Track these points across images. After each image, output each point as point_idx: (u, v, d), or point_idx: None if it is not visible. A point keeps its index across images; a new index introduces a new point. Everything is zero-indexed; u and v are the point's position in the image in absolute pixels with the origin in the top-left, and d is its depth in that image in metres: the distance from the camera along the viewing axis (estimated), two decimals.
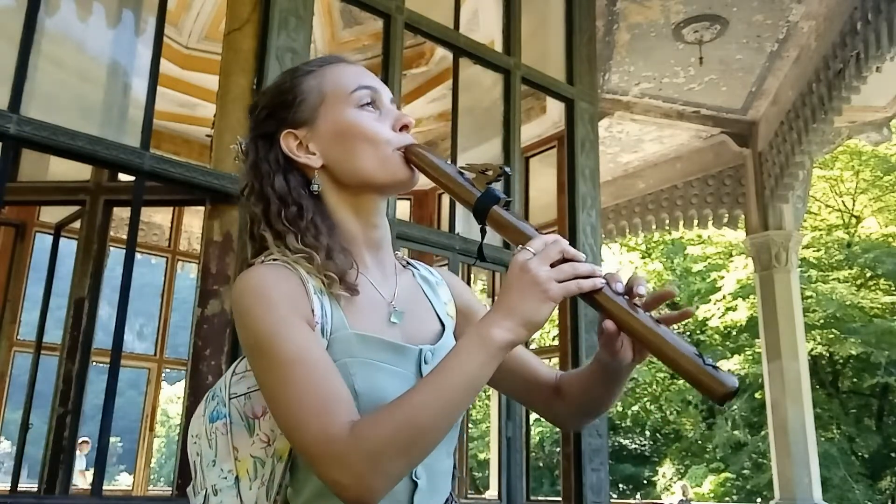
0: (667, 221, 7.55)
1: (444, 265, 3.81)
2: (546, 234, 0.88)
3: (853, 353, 15.32)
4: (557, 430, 4.42)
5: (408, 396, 0.81)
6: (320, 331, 0.89)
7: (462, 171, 0.93)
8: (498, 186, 0.95)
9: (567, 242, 0.86)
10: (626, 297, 0.83)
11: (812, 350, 14.42)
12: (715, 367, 0.76)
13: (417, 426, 0.79)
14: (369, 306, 0.95)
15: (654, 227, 7.68)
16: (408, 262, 1.10)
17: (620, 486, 20.02)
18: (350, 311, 0.93)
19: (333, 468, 0.79)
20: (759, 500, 15.92)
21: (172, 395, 23.93)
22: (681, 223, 7.53)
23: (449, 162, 0.94)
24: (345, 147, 0.97)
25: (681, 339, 0.78)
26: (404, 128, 0.98)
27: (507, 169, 0.90)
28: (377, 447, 0.78)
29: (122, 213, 4.62)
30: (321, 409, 0.81)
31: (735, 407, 17.33)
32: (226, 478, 0.91)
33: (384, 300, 0.98)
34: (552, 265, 0.84)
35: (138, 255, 4.09)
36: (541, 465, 18.17)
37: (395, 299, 0.99)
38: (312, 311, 0.89)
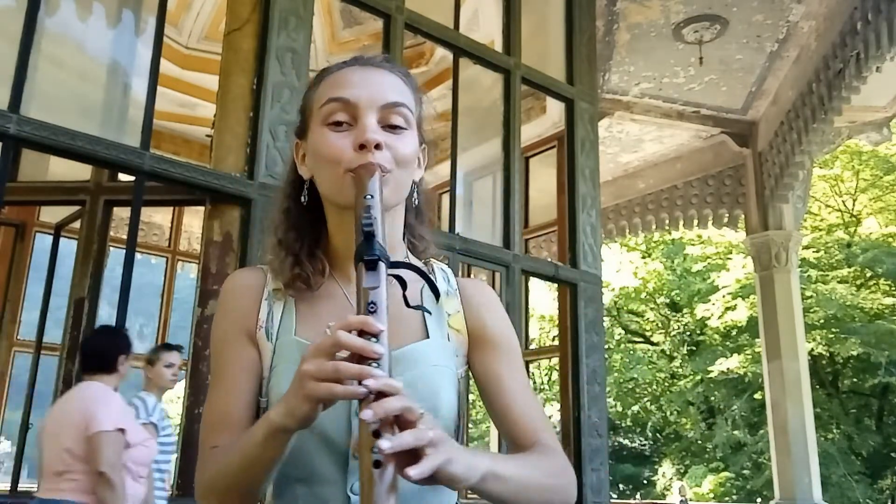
0: (667, 221, 7.55)
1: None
2: (362, 314, 0.76)
3: (853, 353, 15.32)
4: (557, 430, 4.43)
5: (228, 448, 0.88)
6: (265, 333, 0.95)
7: (366, 210, 0.84)
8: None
9: (375, 327, 0.74)
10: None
11: (812, 350, 14.43)
12: None
13: (224, 477, 0.87)
14: (334, 317, 0.94)
15: (654, 227, 7.68)
16: (431, 271, 1.05)
17: (620, 486, 20.01)
18: (306, 318, 0.96)
19: (195, 477, 0.92)
20: (758, 500, 15.93)
21: (172, 395, 23.94)
22: (681, 223, 7.53)
23: (371, 196, 0.85)
24: (315, 165, 0.97)
25: (381, 498, 0.70)
26: (366, 146, 0.91)
27: (365, 227, 0.80)
28: (208, 481, 0.89)
29: (122, 213, 4.62)
30: (211, 425, 0.93)
31: (735, 407, 17.34)
32: None
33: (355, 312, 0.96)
34: (334, 356, 0.74)
35: (138, 255, 4.09)
36: None
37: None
38: (258, 315, 0.96)
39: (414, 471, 0.70)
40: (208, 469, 0.89)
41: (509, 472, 0.84)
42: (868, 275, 16.56)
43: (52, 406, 2.99)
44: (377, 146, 0.91)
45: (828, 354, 16.19)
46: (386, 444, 0.70)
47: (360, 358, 0.73)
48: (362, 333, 0.74)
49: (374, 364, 0.73)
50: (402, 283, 0.89)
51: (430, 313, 0.94)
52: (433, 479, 0.73)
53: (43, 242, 5.18)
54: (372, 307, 0.77)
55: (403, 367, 0.91)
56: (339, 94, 0.94)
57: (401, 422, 0.72)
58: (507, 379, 1.00)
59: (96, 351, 2.73)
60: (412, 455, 0.71)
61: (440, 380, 0.94)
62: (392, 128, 0.94)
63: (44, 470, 2.64)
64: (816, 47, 5.60)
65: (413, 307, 0.89)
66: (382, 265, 0.80)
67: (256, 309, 0.97)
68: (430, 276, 1.01)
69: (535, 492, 0.88)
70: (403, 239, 1.06)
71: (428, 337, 0.98)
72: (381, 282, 0.79)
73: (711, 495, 16.98)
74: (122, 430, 2.62)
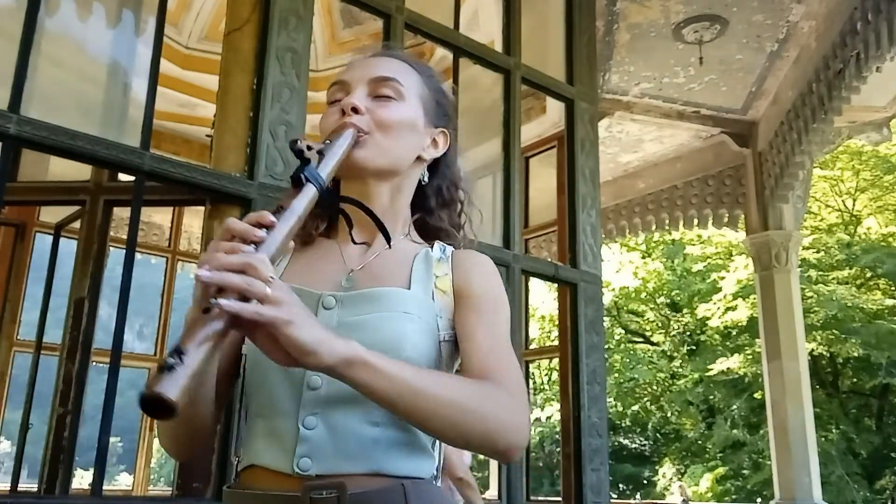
0: (667, 221, 7.55)
1: None
2: (276, 216, 0.79)
3: (853, 353, 15.32)
4: (557, 430, 4.43)
5: None
6: None
7: (313, 143, 0.90)
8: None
9: (266, 218, 0.77)
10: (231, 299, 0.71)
11: (812, 351, 14.42)
12: (168, 370, 0.64)
13: None
14: (324, 269, 1.01)
15: (654, 227, 7.67)
16: (434, 244, 1.07)
17: (620, 486, 20.01)
18: (295, 269, 1.03)
19: None
20: (758, 499, 15.92)
21: None
22: (681, 223, 7.53)
23: (329, 142, 0.92)
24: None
25: (194, 341, 0.67)
26: (345, 111, 1.00)
27: (293, 149, 0.87)
28: None
29: (122, 213, 4.61)
30: None
31: (735, 407, 17.34)
32: None
33: (346, 267, 1.00)
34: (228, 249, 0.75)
35: (138, 255, 4.08)
36: (541, 465, 18.16)
37: (363, 268, 1.00)
38: None
39: (226, 301, 0.68)
40: None
41: (394, 370, 0.78)
42: (868, 275, 16.55)
43: None
44: (354, 109, 0.98)
45: (828, 355, 16.19)
46: (204, 272, 0.69)
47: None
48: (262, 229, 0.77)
49: (253, 247, 0.74)
50: (348, 220, 0.97)
51: (368, 246, 1.00)
52: (287, 354, 0.73)
53: (43, 242, 5.18)
54: (279, 211, 0.81)
55: (370, 306, 0.93)
56: (339, 76, 1.05)
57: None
58: (474, 326, 0.96)
59: None
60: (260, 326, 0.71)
61: (408, 326, 0.93)
62: (383, 98, 1.01)
63: None
64: (816, 47, 5.60)
65: (357, 243, 0.98)
66: (310, 186, 0.84)
67: None
68: (430, 249, 1.05)
69: (434, 403, 0.80)
70: (429, 219, 1.11)
71: (409, 289, 0.99)
72: (300, 198, 0.83)
73: (711, 495, 16.97)
74: None
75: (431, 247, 1.06)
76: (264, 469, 0.89)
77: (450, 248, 1.07)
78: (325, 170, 0.87)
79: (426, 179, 1.08)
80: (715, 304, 16.52)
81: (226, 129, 3.09)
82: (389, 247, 0.99)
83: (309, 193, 0.84)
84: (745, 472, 17.22)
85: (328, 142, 0.92)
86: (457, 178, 1.14)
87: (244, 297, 0.71)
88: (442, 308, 0.99)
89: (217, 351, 0.70)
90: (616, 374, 18.23)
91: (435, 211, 1.11)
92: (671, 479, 18.76)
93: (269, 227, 0.77)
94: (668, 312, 19.55)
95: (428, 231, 1.10)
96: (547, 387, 17.90)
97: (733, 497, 17.02)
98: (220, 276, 0.70)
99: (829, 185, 16.59)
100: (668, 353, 19.34)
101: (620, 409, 19.29)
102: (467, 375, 0.91)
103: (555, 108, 4.69)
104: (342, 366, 0.76)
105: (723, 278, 16.43)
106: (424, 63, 1.14)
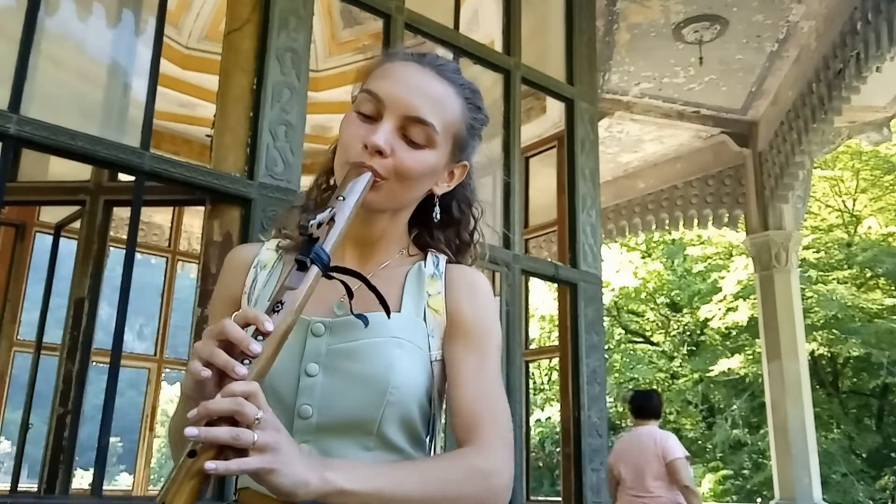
0: (667, 221, 7.55)
1: None
2: (267, 311, 0.77)
3: (854, 353, 15.32)
4: (557, 430, 4.44)
5: (178, 406, 0.93)
6: (247, 299, 1.01)
7: (322, 210, 0.86)
8: None
9: (264, 326, 0.75)
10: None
11: (813, 351, 14.42)
12: None
13: (171, 431, 0.92)
14: (318, 288, 0.96)
15: (654, 227, 7.67)
16: (426, 257, 1.04)
17: None
18: None
19: None
20: (758, 499, 15.92)
21: (172, 395, 23.92)
22: (681, 223, 7.53)
23: (343, 198, 0.86)
24: (338, 143, 0.98)
25: (175, 482, 0.70)
26: (368, 148, 0.92)
27: (301, 227, 0.83)
28: (168, 433, 0.97)
29: (122, 213, 4.62)
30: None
31: (735, 407, 17.34)
32: None
33: (340, 288, 0.95)
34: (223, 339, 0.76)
35: (138, 255, 4.09)
36: (541, 465, 18.15)
37: (356, 290, 0.95)
38: (245, 282, 1.02)
39: (212, 464, 0.69)
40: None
41: (370, 487, 0.79)
42: (868, 275, 16.55)
43: (619, 441, 4.22)
44: (379, 152, 0.90)
45: (828, 355, 16.19)
46: (192, 430, 0.70)
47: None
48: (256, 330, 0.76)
49: (247, 361, 0.73)
50: (348, 290, 0.89)
51: (366, 323, 0.91)
52: (270, 487, 0.74)
53: (43, 242, 5.17)
54: (278, 306, 0.77)
55: (360, 332, 0.91)
56: (375, 87, 0.94)
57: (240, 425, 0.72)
58: (463, 364, 0.95)
59: (651, 406, 4.08)
60: (241, 455, 0.71)
61: (396, 352, 0.91)
62: (411, 142, 0.93)
63: (627, 484, 3.84)
64: (816, 47, 5.60)
65: (356, 315, 0.90)
66: (314, 269, 0.80)
67: (244, 278, 1.01)
68: (424, 263, 1.02)
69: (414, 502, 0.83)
70: (427, 237, 1.06)
71: (400, 311, 0.97)
72: (303, 285, 0.79)
73: (711, 494, 16.97)
74: (687, 457, 3.85)
75: (425, 258, 1.03)
76: (258, 493, 0.89)
77: (443, 261, 1.03)
78: (332, 240, 0.83)
79: (437, 217, 1.03)
80: (716, 304, 16.53)
81: (226, 129, 3.09)
82: (389, 317, 0.93)
83: (311, 277, 0.81)
84: (745, 472, 17.21)
85: (342, 198, 0.86)
86: (470, 196, 1.09)
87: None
88: (434, 328, 0.97)
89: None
90: (616, 374, 18.22)
91: (434, 231, 1.06)
92: None
93: (265, 335, 0.75)
94: (668, 312, 19.54)
95: (423, 245, 1.07)
96: (547, 387, 17.90)
97: (734, 497, 17.02)
98: (206, 434, 0.70)
99: (829, 185, 16.59)
100: (668, 353, 19.33)
101: (621, 409, 19.28)
102: (454, 420, 0.94)
103: (555, 108, 4.69)
104: (322, 499, 0.78)
105: (723, 278, 16.44)
106: (471, 84, 1.03)
